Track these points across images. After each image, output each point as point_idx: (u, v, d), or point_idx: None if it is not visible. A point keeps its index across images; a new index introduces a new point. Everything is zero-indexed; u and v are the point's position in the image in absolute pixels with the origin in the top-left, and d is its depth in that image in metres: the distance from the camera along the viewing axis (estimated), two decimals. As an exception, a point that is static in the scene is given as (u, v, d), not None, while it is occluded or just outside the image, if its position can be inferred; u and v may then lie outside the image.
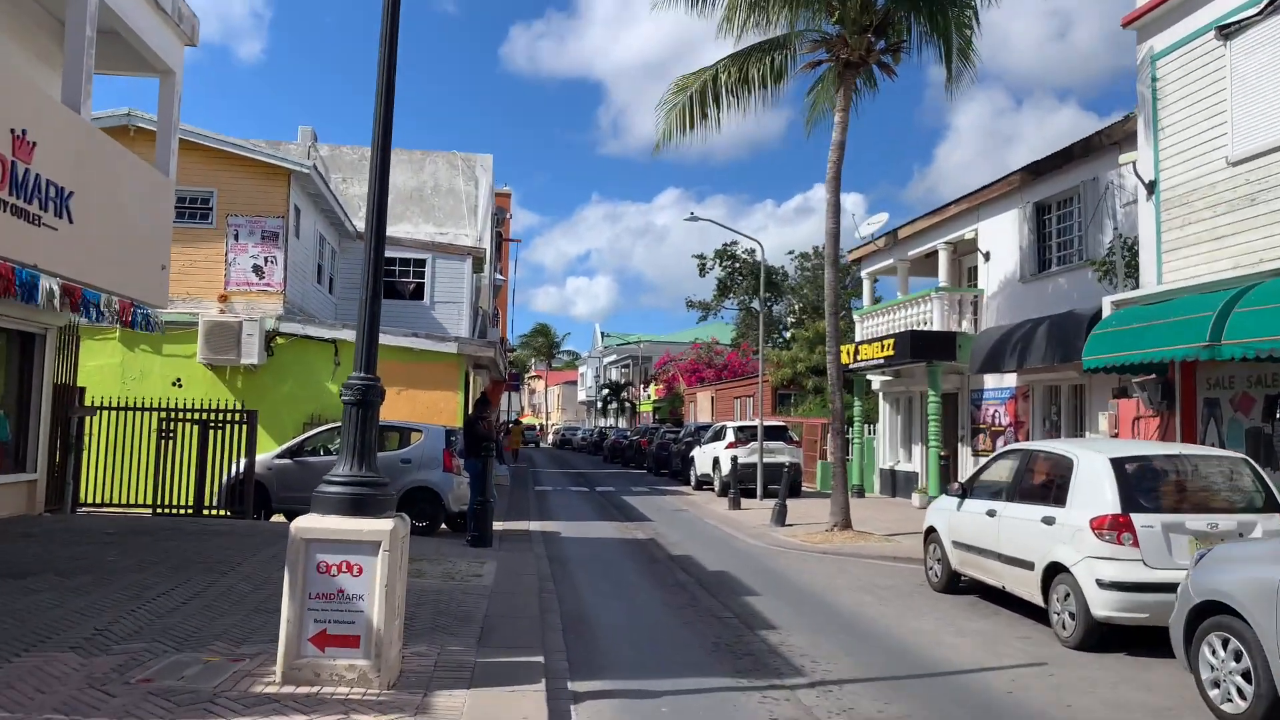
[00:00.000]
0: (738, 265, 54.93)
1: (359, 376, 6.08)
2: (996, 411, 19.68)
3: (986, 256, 20.26)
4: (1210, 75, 12.67)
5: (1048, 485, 8.87)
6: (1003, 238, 19.58)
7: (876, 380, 25.17)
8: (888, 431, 25.23)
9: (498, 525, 16.02)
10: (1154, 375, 13.37)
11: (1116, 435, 14.41)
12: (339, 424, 16.04)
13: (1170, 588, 7.49)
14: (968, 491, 10.24)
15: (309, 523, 5.78)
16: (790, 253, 54.78)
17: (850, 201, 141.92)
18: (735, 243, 55.90)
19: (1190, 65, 13.06)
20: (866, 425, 25.35)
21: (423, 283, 23.80)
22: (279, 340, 17.65)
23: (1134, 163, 13.81)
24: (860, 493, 23.97)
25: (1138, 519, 7.72)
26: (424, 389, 17.85)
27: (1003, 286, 19.64)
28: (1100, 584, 7.69)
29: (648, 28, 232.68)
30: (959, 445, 21.06)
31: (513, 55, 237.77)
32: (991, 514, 9.42)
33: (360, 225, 25.92)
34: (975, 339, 19.30)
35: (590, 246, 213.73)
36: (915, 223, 23.11)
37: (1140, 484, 8.00)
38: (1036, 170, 18.19)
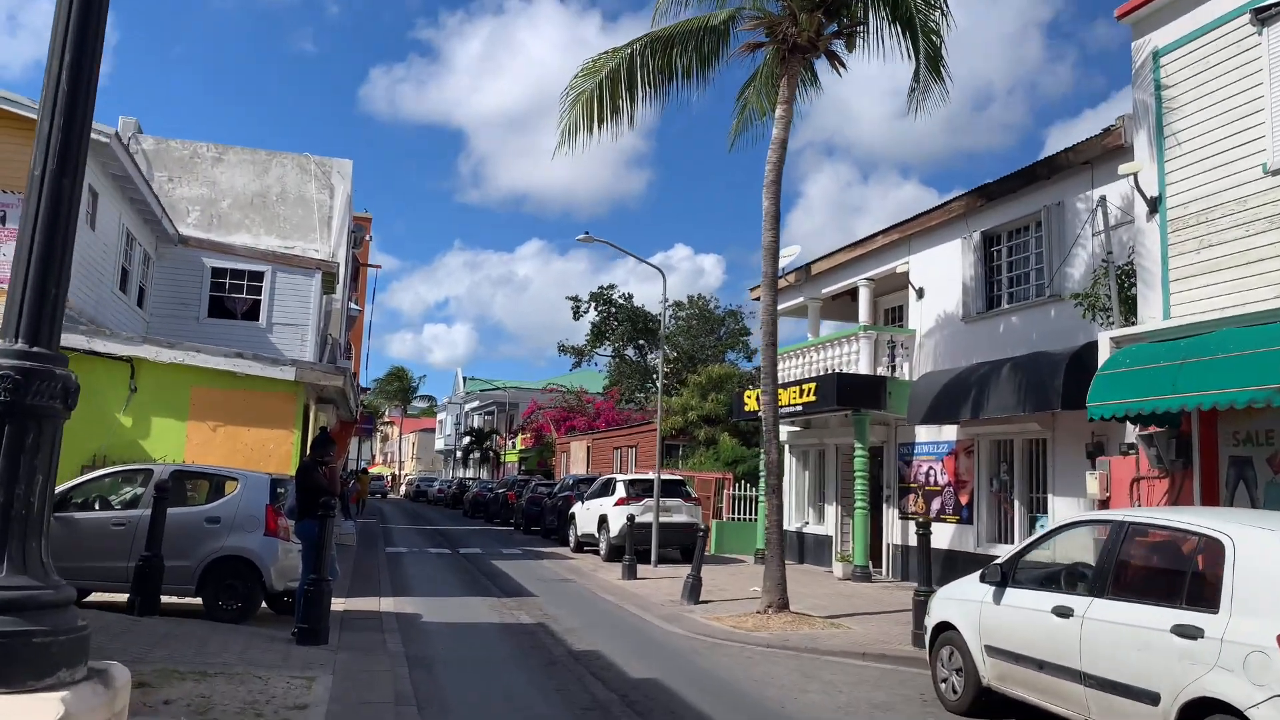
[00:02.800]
0: (614, 310, 52.16)
1: (10, 350, 2.66)
2: (932, 469, 17.24)
3: (920, 293, 17.98)
4: (1239, 70, 10.58)
5: (1173, 577, 6.09)
6: (941, 272, 17.33)
7: (784, 431, 22.52)
8: (794, 489, 22.55)
9: (339, 604, 12.30)
10: (1164, 427, 11.07)
11: (1108, 500, 12.05)
12: (133, 466, 12.07)
13: None
14: (1008, 577, 7.40)
15: None
16: (663, 300, 52.26)
17: (708, 262, 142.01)
18: (612, 286, 53.33)
19: (1210, 60, 10.98)
20: (771, 481, 22.60)
21: (259, 300, 19.76)
22: (54, 356, 13.47)
23: (1135, 175, 11.62)
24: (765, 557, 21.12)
25: (1358, 637, 4.98)
26: (250, 425, 13.99)
27: (940, 326, 17.35)
28: (1307, 742, 4.88)
29: (510, 79, 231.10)
30: (884, 506, 18.53)
31: (372, 97, 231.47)
32: (1064, 613, 6.56)
33: (190, 231, 21.73)
34: (914, 385, 16.86)
35: (450, 294, 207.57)
36: (833, 256, 20.77)
37: (1347, 581, 5.28)
38: (987, 195, 16.03)
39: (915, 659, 10.01)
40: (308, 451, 10.14)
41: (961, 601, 7.87)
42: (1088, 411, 10.88)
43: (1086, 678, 6.33)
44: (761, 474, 21.73)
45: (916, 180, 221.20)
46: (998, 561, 7.60)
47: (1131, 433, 12.42)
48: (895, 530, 18.22)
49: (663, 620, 12.80)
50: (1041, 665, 6.78)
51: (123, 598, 10.37)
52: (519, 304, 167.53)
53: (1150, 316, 11.55)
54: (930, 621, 8.31)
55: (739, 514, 24.81)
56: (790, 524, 22.51)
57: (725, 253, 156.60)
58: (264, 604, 11.43)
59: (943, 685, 8.02)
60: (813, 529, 21.43)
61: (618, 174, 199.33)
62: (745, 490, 25.09)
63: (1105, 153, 13.52)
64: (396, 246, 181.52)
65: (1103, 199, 12.95)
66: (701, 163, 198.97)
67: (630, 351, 53.98)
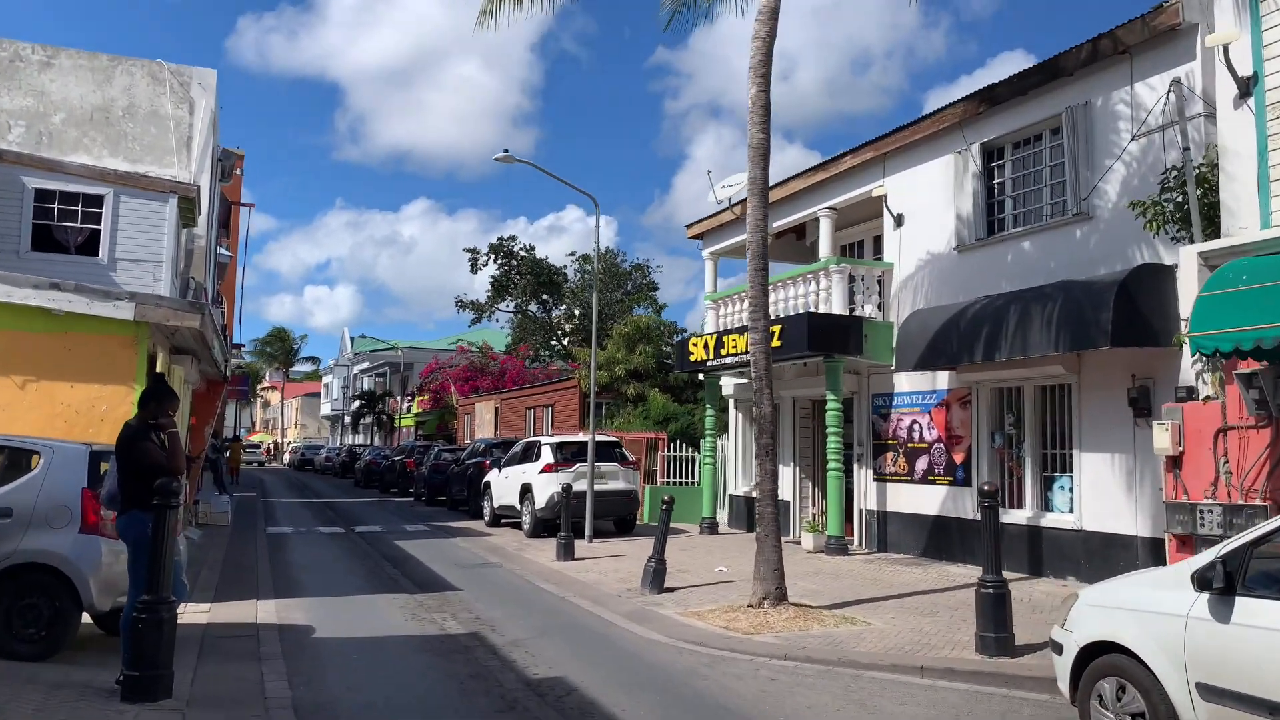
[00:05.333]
0: (515, 263, 48.66)
1: None
2: (916, 423, 14.88)
3: (899, 220, 15.51)
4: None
5: None
6: (927, 194, 14.86)
7: (729, 383, 19.97)
8: (742, 448, 20.09)
9: (201, 612, 9.19)
10: (1273, 363, 8.81)
11: (1181, 456, 9.79)
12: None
13: None
14: (1235, 580, 4.85)
15: None
16: (572, 254, 49.25)
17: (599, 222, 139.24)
18: (513, 238, 49.76)
19: (1334, -106, 8.64)
20: (719, 440, 20.03)
21: (98, 229, 15.93)
22: None
23: (1226, 47, 9.24)
24: (713, 527, 18.61)
25: None
26: (73, 380, 10.51)
27: (926, 258, 14.91)
28: None
29: (389, 32, 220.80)
30: (855, 467, 16.13)
31: (240, 49, 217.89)
32: (1387, 645, 4.04)
33: (10, 147, 17.55)
34: (903, 325, 14.41)
35: (332, 255, 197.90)
36: (788, 183, 18.08)
37: None
38: (990, 98, 13.56)
39: (995, 675, 7.53)
40: (136, 411, 6.90)
41: (1144, 614, 5.31)
42: (1190, 345, 8.52)
43: None
44: (709, 434, 19.20)
45: (800, 144, 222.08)
46: (1214, 556, 5.04)
47: (1191, 374, 10.23)
48: (870, 494, 15.87)
49: (630, 620, 10.02)
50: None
51: None
52: (405, 265, 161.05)
53: (1240, 227, 9.26)
54: (1075, 639, 5.73)
55: (674, 478, 22.22)
56: (737, 488, 20.10)
57: (615, 213, 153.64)
58: (90, 620, 8.24)
59: (1104, 733, 5.47)
60: (765, 494, 18.93)
61: (505, 132, 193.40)
62: (680, 451, 22.49)
63: (1153, 36, 11.15)
64: (273, 205, 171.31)
65: (1176, 82, 10.54)
66: (591, 123, 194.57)
67: (534, 307, 50.71)
